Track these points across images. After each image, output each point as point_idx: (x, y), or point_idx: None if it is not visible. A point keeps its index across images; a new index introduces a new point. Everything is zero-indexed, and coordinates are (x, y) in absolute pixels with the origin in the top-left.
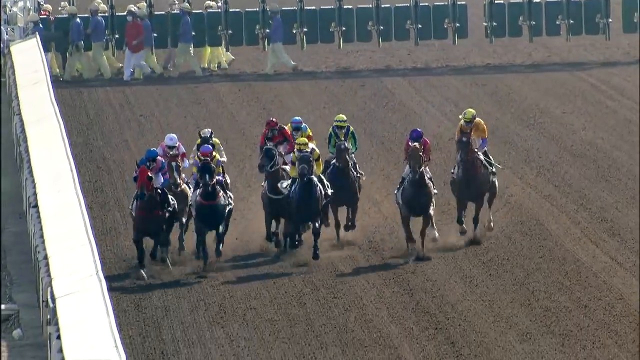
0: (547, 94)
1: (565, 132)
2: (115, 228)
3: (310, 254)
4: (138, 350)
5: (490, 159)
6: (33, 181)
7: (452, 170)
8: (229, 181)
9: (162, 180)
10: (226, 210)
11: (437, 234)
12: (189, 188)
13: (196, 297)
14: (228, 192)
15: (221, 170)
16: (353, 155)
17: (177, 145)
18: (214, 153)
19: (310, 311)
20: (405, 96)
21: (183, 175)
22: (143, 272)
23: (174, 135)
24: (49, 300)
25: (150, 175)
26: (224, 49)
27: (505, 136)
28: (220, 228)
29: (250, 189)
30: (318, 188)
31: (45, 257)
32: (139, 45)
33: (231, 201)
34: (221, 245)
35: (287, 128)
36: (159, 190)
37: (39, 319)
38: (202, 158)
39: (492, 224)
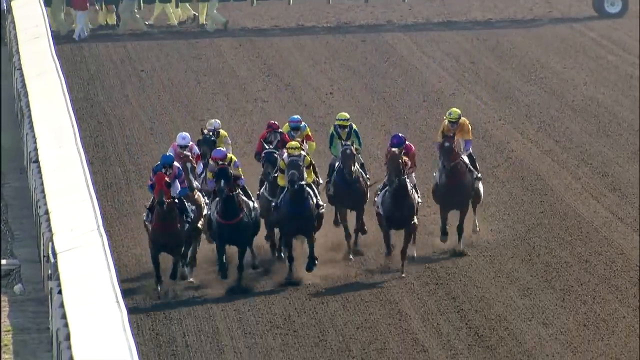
0: (548, 49)
1: (566, 87)
2: (116, 183)
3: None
4: (139, 305)
5: (474, 161)
6: (34, 136)
7: (434, 174)
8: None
9: (180, 189)
10: (250, 229)
11: (415, 253)
12: (202, 196)
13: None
14: (252, 201)
15: (240, 172)
16: (360, 155)
17: (190, 145)
18: (229, 155)
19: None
20: (406, 51)
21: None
22: (160, 289)
23: (187, 134)
24: (50, 255)
25: (168, 181)
26: (174, 6)
27: (506, 91)
28: (243, 248)
29: (251, 144)
30: (310, 197)
31: (47, 212)
32: (83, 3)
33: (257, 213)
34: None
35: (284, 128)
36: (176, 200)
37: (40, 274)
38: (219, 163)
39: (478, 228)
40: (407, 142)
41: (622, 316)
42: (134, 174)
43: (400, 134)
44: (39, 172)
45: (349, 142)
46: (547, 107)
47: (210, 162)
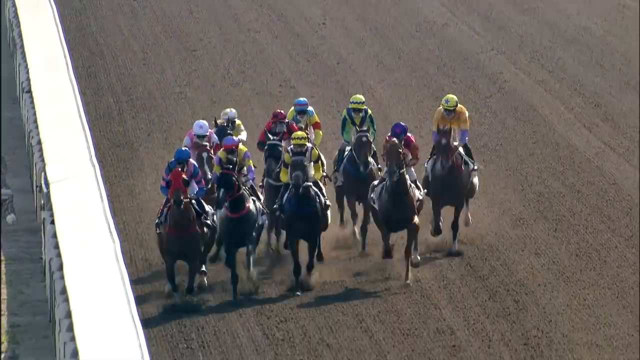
0: None
1: (560, 17)
2: (109, 114)
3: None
4: (131, 236)
5: (470, 152)
6: (26, 66)
7: (426, 165)
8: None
9: (197, 189)
10: (257, 225)
11: (419, 257)
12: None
13: None
14: (260, 202)
15: (251, 164)
16: (372, 145)
17: (208, 134)
18: (240, 146)
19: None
20: None
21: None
22: (176, 297)
23: (205, 122)
24: (43, 185)
25: (186, 178)
26: None
27: (499, 21)
28: (250, 246)
29: (243, 74)
30: (316, 198)
31: (39, 143)
32: None
33: (264, 214)
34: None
35: (290, 112)
36: (193, 202)
37: (32, 204)
38: (225, 159)
39: (471, 221)
40: (408, 134)
41: (614, 246)
42: (127, 104)
43: (402, 123)
44: (32, 102)
45: (364, 128)
46: (540, 38)
47: (220, 152)
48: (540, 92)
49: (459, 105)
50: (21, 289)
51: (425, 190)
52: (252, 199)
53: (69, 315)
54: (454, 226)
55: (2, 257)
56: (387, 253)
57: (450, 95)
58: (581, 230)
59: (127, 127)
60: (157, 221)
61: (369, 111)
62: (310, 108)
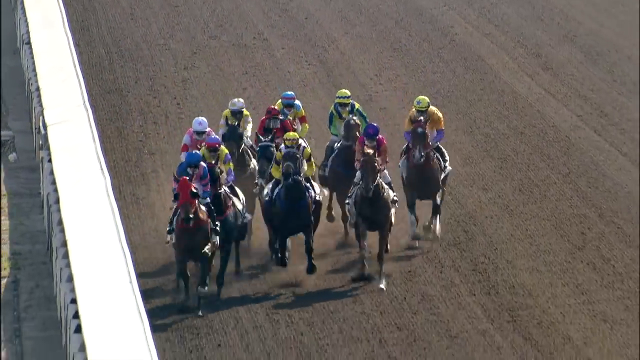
0: None
1: None
2: (100, 63)
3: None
4: (121, 173)
5: (444, 154)
6: (26, 20)
7: (399, 166)
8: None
9: (203, 192)
10: (238, 224)
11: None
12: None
13: None
14: (240, 201)
15: (231, 166)
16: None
17: (207, 131)
18: (222, 147)
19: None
20: None
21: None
22: (186, 301)
23: (204, 118)
24: (41, 127)
25: (194, 190)
26: None
27: None
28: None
29: (222, 28)
30: (309, 191)
31: (38, 89)
32: None
33: (245, 214)
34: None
35: (277, 105)
36: (202, 208)
37: (32, 144)
38: (207, 152)
39: (438, 230)
40: (379, 135)
41: (553, 182)
42: (116, 55)
43: (374, 124)
44: (31, 53)
45: (351, 116)
46: None
47: (202, 149)
48: (487, 44)
49: (431, 106)
50: (22, 220)
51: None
52: (232, 202)
53: (64, 244)
54: (435, 209)
55: (4, 192)
56: (363, 256)
57: (422, 97)
58: (524, 167)
59: (117, 75)
60: (168, 228)
61: (356, 104)
62: (297, 102)
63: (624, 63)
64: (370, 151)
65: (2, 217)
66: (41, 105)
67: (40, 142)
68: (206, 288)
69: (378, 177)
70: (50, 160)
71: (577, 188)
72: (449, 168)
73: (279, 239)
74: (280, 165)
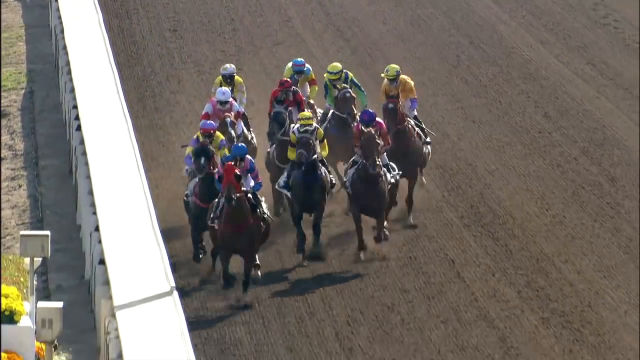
0: None
1: None
2: None
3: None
4: (110, 10)
5: (422, 124)
6: None
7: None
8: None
9: (253, 184)
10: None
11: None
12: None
13: None
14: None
15: (226, 152)
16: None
17: (230, 100)
18: (217, 133)
19: None
20: None
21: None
22: (228, 290)
23: (227, 89)
24: None
25: (238, 173)
26: None
27: None
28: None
29: None
30: (321, 172)
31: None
32: None
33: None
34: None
35: (288, 70)
36: (249, 196)
37: None
38: (202, 137)
39: (424, 182)
40: (377, 119)
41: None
42: None
43: (370, 110)
44: None
45: (347, 86)
46: None
47: (198, 133)
48: None
49: (401, 75)
50: (36, 45)
51: (400, 172)
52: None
53: (68, 63)
54: (409, 200)
55: (24, 24)
56: (361, 244)
57: (391, 65)
58: None
59: None
60: (212, 215)
61: (350, 75)
62: (307, 67)
63: None
64: (371, 129)
65: (20, 43)
66: None
67: None
68: (258, 272)
69: (379, 158)
70: (56, 0)
71: None
72: (429, 140)
73: (295, 212)
74: (296, 150)
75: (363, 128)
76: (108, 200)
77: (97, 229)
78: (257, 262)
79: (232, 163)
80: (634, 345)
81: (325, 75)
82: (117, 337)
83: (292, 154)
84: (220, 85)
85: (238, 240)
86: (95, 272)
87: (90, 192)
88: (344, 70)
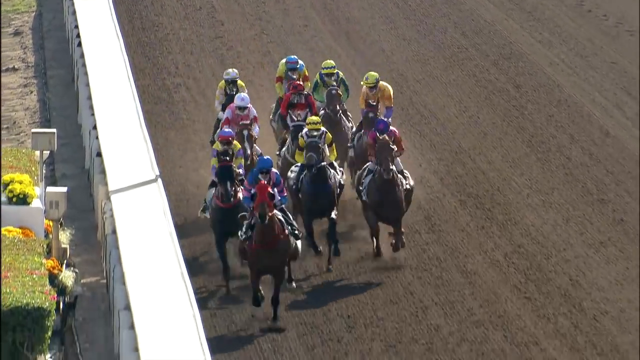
0: None
1: None
2: None
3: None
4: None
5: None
6: None
7: (349, 146)
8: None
9: (279, 198)
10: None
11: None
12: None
13: None
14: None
15: (242, 162)
16: (344, 103)
17: (248, 106)
18: (235, 142)
19: None
20: None
21: (255, 148)
22: (260, 310)
23: (246, 94)
24: None
25: (272, 192)
26: None
27: None
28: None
29: None
30: (331, 175)
31: None
32: None
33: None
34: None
35: (282, 66)
36: (277, 212)
37: None
38: (221, 154)
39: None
40: (391, 127)
41: None
42: None
43: (384, 119)
44: None
45: (334, 84)
46: None
47: (216, 144)
48: None
49: (381, 82)
50: (51, 15)
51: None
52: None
53: (78, 35)
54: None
55: None
56: (378, 250)
57: (371, 73)
58: None
59: None
60: (243, 236)
61: (341, 74)
62: (300, 63)
63: None
64: (385, 136)
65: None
66: None
67: None
68: (294, 284)
69: (393, 164)
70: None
71: None
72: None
73: (305, 221)
74: (304, 154)
75: (378, 135)
76: (104, 103)
77: (94, 127)
78: (291, 276)
79: (265, 182)
80: (535, 223)
81: (319, 74)
82: (112, 216)
83: (300, 158)
84: (225, 90)
85: (269, 257)
86: (93, 163)
87: (89, 97)
88: (337, 71)
